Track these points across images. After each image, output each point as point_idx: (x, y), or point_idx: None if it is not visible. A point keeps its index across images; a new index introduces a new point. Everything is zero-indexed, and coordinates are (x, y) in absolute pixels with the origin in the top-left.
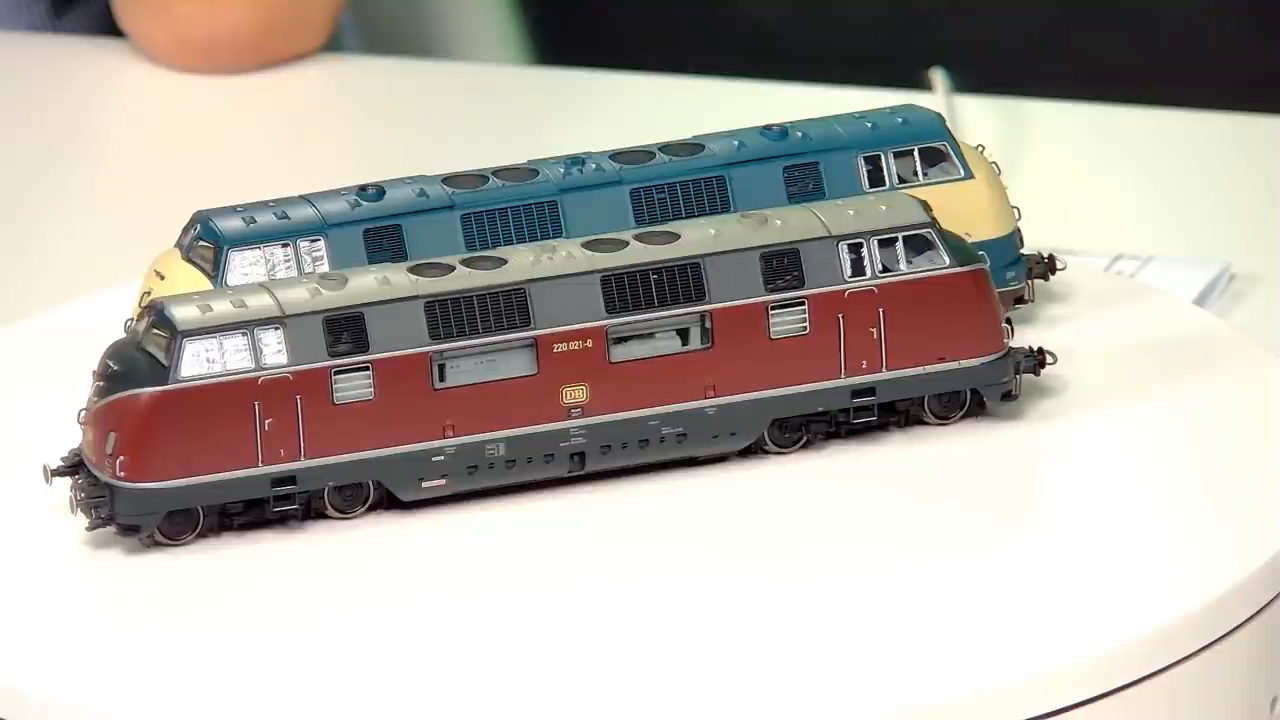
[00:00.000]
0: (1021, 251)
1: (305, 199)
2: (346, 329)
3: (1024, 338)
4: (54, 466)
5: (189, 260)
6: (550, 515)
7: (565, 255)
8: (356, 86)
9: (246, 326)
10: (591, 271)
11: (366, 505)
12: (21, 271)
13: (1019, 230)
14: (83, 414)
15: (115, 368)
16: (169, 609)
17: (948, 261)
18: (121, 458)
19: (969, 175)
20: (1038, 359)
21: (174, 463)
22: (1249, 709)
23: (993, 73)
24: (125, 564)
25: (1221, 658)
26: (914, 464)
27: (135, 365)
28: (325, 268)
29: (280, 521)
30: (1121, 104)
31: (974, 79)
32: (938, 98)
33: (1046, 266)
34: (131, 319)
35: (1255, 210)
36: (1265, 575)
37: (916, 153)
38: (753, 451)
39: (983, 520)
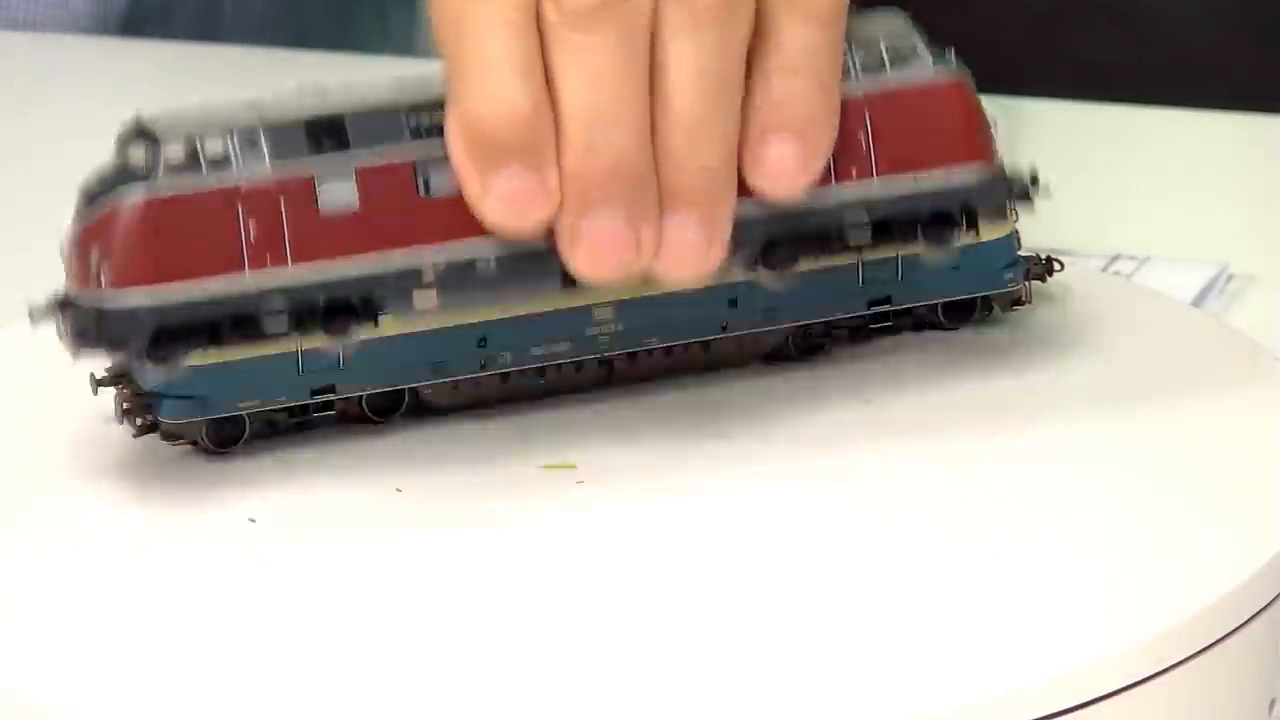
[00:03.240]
0: (1019, 253)
1: None
2: (329, 135)
3: (1022, 338)
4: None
5: None
6: (548, 514)
7: None
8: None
9: (228, 134)
10: None
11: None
12: (21, 272)
13: (1017, 233)
14: (65, 244)
15: (96, 189)
16: (169, 610)
17: (932, 72)
18: (106, 265)
19: None
20: (1046, 265)
21: (160, 268)
22: (1248, 711)
23: (992, 72)
24: (124, 566)
25: (1220, 659)
26: (912, 465)
27: (116, 180)
28: None
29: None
30: (1121, 104)
31: (972, 77)
32: None
33: (1044, 268)
34: None
35: (1254, 210)
36: (1265, 576)
37: None
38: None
39: (980, 522)
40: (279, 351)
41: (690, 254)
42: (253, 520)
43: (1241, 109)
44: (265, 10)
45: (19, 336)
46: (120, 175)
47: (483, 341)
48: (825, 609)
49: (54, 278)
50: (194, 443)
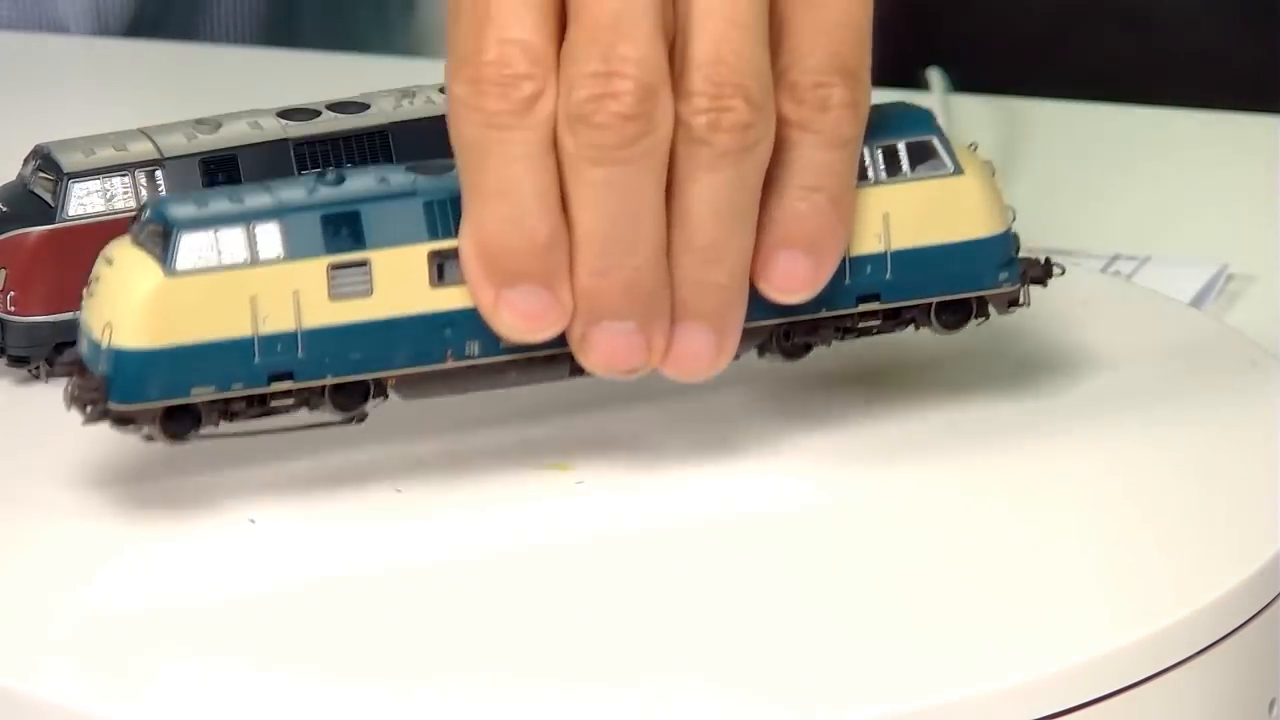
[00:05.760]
0: (1018, 254)
1: (264, 186)
2: (221, 169)
3: (1021, 339)
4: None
5: (138, 245)
6: (547, 515)
7: (425, 100)
8: (351, 84)
9: (128, 169)
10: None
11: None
12: None
13: (1016, 233)
14: None
15: (4, 209)
16: (169, 610)
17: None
18: (12, 293)
19: (958, 171)
20: (1044, 268)
21: (61, 296)
22: (1248, 711)
23: (992, 72)
24: (124, 566)
25: (1220, 660)
26: (911, 465)
27: (23, 206)
28: (280, 252)
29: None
30: (1121, 104)
31: (972, 78)
32: (934, 97)
33: (1043, 270)
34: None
35: (1253, 210)
36: (1265, 576)
37: (904, 148)
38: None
39: (978, 522)
40: (235, 336)
41: (699, 361)
42: (253, 520)
43: (1241, 109)
44: (259, 9)
45: None
46: (28, 201)
47: (447, 330)
48: (824, 608)
49: None
50: (147, 434)
